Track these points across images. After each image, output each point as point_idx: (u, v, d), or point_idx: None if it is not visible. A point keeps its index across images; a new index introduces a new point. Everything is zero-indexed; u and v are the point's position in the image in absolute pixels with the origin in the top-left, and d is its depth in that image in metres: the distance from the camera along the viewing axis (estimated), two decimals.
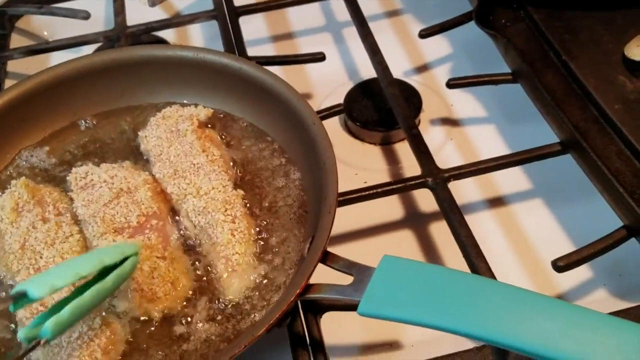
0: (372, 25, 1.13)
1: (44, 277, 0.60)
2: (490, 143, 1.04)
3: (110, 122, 0.94)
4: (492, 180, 0.96)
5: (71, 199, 0.81)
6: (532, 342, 0.52)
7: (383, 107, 1.04)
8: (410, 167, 1.00)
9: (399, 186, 0.87)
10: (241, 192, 0.79)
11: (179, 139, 0.85)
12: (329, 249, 0.68)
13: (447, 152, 1.04)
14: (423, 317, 0.56)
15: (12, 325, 0.72)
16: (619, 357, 0.49)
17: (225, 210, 0.76)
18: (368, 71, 1.11)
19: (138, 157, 0.88)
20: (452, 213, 0.80)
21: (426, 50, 1.22)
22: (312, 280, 0.67)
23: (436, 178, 0.85)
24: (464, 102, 1.11)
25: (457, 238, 0.79)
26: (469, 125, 1.08)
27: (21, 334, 0.61)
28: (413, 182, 0.86)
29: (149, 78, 0.93)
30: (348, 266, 0.64)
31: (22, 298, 0.59)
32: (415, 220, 0.94)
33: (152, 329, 0.71)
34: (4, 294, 0.75)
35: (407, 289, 0.58)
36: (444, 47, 1.22)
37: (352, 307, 0.70)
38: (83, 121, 0.93)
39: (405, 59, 1.20)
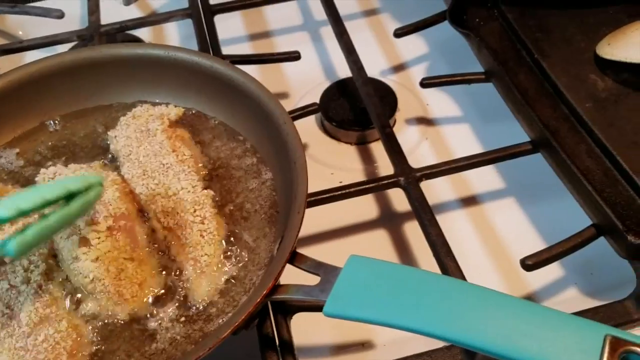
0: (348, 24, 1.13)
1: (11, 200, 0.60)
2: (464, 142, 1.05)
3: (80, 122, 0.93)
4: (465, 179, 0.96)
5: None
6: (495, 343, 0.52)
7: (359, 107, 1.04)
8: (386, 166, 0.99)
9: (372, 186, 0.86)
10: (211, 192, 0.79)
11: (148, 139, 0.84)
12: (300, 250, 0.68)
13: (421, 151, 1.04)
14: (387, 318, 0.56)
15: None
16: (580, 356, 0.49)
17: (194, 211, 0.76)
18: (344, 70, 1.11)
19: (108, 157, 0.87)
20: (423, 212, 0.80)
21: (402, 50, 1.22)
22: (282, 281, 0.67)
23: (408, 177, 0.85)
24: (439, 102, 1.11)
25: (428, 237, 0.79)
26: (444, 125, 1.09)
27: None
28: (386, 182, 0.86)
29: (119, 77, 0.92)
30: (315, 266, 0.63)
31: None
32: (388, 220, 0.94)
33: (120, 331, 0.70)
34: None
35: (373, 289, 0.58)
36: (419, 46, 1.22)
37: (320, 308, 0.70)
38: (52, 122, 0.92)
39: (381, 58, 1.20)
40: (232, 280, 0.74)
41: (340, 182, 0.93)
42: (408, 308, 0.56)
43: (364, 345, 0.81)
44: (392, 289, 0.58)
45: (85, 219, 0.73)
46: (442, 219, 0.81)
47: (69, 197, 0.64)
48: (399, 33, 1.07)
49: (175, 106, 0.89)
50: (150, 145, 0.83)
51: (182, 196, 0.77)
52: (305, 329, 0.78)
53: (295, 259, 0.66)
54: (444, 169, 0.85)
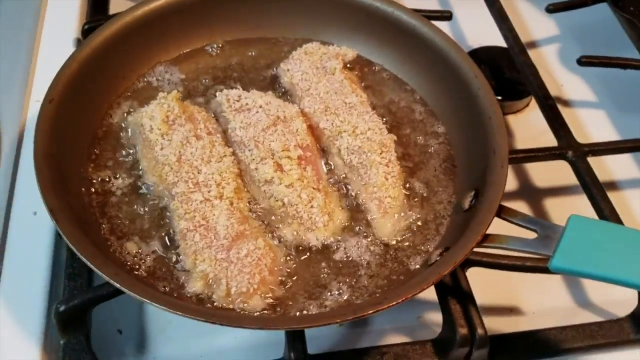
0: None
1: None
2: (600, 127, 1.05)
3: (242, 51, 0.92)
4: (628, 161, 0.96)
5: (223, 120, 0.79)
6: None
7: (502, 77, 1.04)
8: (522, 140, 1.00)
9: (532, 155, 0.87)
10: (394, 136, 0.79)
11: (326, 77, 0.83)
12: None
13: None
14: (620, 275, 0.57)
15: None
16: None
17: (381, 153, 0.76)
18: (476, 39, 1.10)
19: (273, 89, 0.87)
20: (594, 187, 0.81)
21: (533, 28, 1.21)
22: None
23: (576, 151, 0.85)
24: (574, 84, 1.11)
25: (600, 213, 0.80)
26: (578, 108, 1.09)
27: None
28: (548, 153, 0.86)
29: (289, 11, 0.91)
30: (530, 221, 0.64)
31: None
32: (528, 193, 0.94)
33: (312, 256, 0.71)
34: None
35: (601, 247, 0.59)
36: (551, 27, 1.21)
37: (500, 265, 0.71)
38: (215, 45, 0.91)
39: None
40: (414, 225, 0.74)
41: None
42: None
43: (512, 311, 0.82)
44: (620, 247, 0.59)
45: (280, 144, 0.74)
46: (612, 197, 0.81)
47: None
48: (551, 9, 1.06)
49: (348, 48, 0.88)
50: (329, 83, 0.83)
51: (369, 136, 0.77)
52: None
53: (503, 211, 0.66)
54: (612, 148, 0.86)
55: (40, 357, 0.69)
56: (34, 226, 0.79)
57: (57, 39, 0.99)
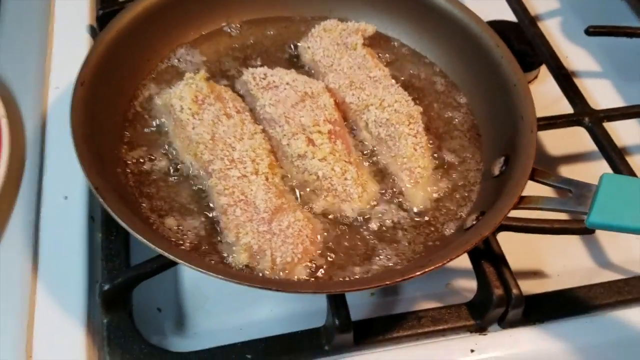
0: None
1: None
2: (607, 95, 1.07)
3: (260, 30, 0.93)
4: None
5: (250, 98, 0.80)
6: None
7: (513, 48, 1.05)
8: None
9: (549, 122, 0.89)
10: (420, 108, 0.80)
11: (348, 52, 0.85)
12: None
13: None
14: None
15: None
16: None
17: (409, 124, 0.78)
18: (486, 14, 1.12)
19: (295, 66, 0.88)
20: (613, 152, 0.83)
21: (532, 2, 1.23)
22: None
23: (592, 117, 0.87)
24: (578, 55, 1.14)
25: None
26: (584, 78, 1.11)
27: None
28: (565, 120, 0.89)
29: None
30: (564, 182, 0.66)
31: None
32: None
33: (349, 227, 0.73)
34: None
35: (633, 201, 0.61)
36: (552, 1, 1.24)
37: (530, 229, 0.73)
38: (233, 26, 0.92)
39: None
40: (446, 192, 0.76)
41: None
42: None
43: (537, 274, 0.84)
44: None
45: (310, 120, 0.75)
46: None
47: None
48: None
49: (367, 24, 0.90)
50: (351, 58, 0.84)
51: (397, 108, 0.78)
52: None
53: (536, 174, 0.68)
54: (626, 113, 0.88)
55: (84, 337, 0.70)
56: (66, 210, 0.79)
57: (71, 27, 0.99)
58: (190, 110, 0.76)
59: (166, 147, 0.78)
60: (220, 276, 0.58)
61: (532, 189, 0.71)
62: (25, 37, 0.97)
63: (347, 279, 0.67)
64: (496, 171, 0.74)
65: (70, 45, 0.96)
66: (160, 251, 0.60)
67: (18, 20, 0.99)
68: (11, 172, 0.80)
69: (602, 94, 1.07)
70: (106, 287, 0.68)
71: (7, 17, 0.99)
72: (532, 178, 0.68)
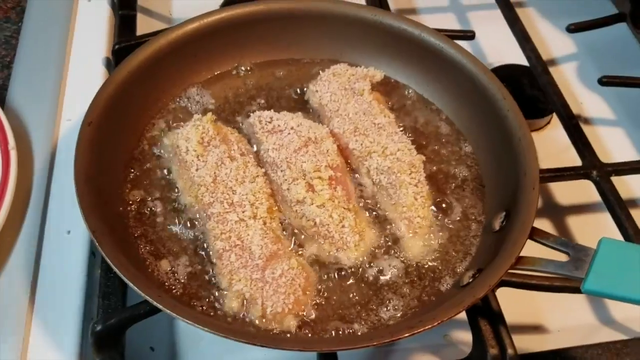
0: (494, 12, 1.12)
1: None
2: (621, 146, 1.06)
3: (270, 72, 0.94)
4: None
5: (255, 141, 0.81)
6: None
7: (524, 95, 1.05)
8: (544, 158, 1.00)
9: (556, 175, 0.88)
10: (423, 157, 0.80)
11: (354, 97, 0.85)
12: None
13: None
14: None
15: None
16: None
17: (410, 173, 0.77)
18: (495, 57, 1.11)
19: (302, 110, 0.88)
20: (619, 207, 0.82)
21: (550, 46, 1.23)
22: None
23: (600, 171, 0.86)
24: (593, 102, 1.12)
25: (624, 233, 0.80)
26: (599, 126, 1.10)
27: None
28: (573, 173, 0.87)
29: (316, 33, 0.93)
30: (562, 244, 0.65)
31: None
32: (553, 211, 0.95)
33: (343, 276, 0.72)
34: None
35: (631, 270, 0.60)
36: (569, 45, 1.23)
37: (529, 286, 0.72)
38: (242, 68, 0.93)
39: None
40: (444, 245, 0.76)
41: None
42: None
43: (537, 329, 0.83)
44: None
45: (311, 165, 0.75)
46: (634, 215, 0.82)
47: None
48: (572, 29, 1.08)
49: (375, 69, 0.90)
50: (358, 104, 0.84)
51: (399, 157, 0.78)
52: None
53: (535, 233, 0.67)
54: (636, 167, 0.87)
55: None
56: (68, 245, 0.80)
57: (87, 58, 1.01)
58: (195, 152, 0.76)
59: (169, 188, 0.79)
60: (206, 328, 0.58)
61: (531, 245, 0.70)
62: (41, 67, 0.98)
63: (339, 331, 0.67)
64: (497, 226, 0.74)
65: (85, 77, 0.98)
66: (149, 299, 0.60)
67: (35, 51, 1.01)
68: (17, 204, 0.81)
69: (614, 143, 1.06)
70: (99, 327, 0.69)
71: (24, 46, 1.02)
72: (531, 237, 0.67)
